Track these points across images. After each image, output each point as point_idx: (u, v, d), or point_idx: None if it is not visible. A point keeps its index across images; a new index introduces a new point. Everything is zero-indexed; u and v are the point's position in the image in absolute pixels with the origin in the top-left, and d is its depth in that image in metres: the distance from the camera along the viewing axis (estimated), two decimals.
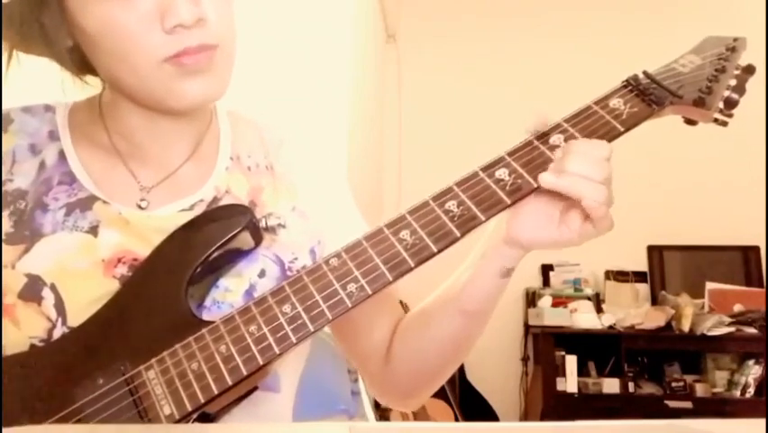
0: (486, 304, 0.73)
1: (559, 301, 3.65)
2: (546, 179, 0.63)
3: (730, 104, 0.68)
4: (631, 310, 3.58)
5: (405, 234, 0.62)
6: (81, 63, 0.71)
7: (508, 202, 0.64)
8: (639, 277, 3.80)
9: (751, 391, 3.35)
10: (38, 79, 0.70)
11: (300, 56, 2.06)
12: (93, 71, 0.74)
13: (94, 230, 0.68)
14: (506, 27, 4.00)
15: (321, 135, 2.06)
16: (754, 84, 0.71)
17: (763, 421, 0.47)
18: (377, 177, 3.71)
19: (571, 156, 0.63)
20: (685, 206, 3.68)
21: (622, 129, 0.66)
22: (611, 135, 0.66)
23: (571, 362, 3.50)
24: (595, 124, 0.66)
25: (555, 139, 0.66)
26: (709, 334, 3.36)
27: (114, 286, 0.66)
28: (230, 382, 0.59)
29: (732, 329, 3.39)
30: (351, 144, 2.46)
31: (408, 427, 0.51)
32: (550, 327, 3.51)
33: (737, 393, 3.37)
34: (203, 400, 0.58)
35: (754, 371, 3.38)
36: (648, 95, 0.67)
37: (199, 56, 0.64)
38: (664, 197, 3.69)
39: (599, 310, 3.64)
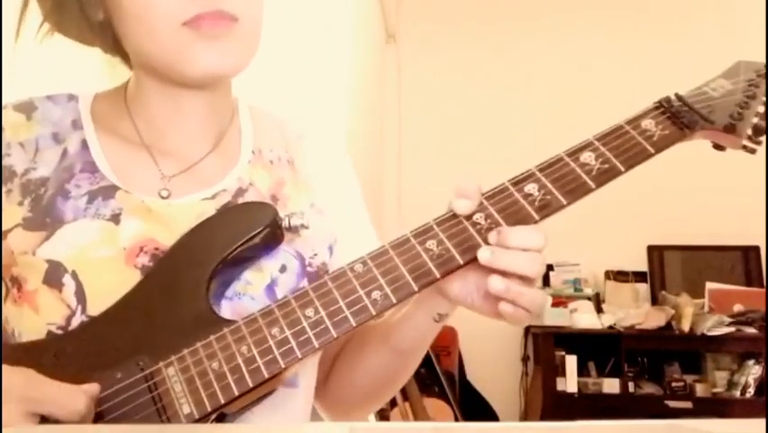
0: (418, 343, 0.74)
1: (559, 301, 3.65)
2: (483, 254, 0.61)
3: (758, 131, 0.67)
4: (631, 310, 3.58)
5: (431, 243, 0.62)
6: (112, 41, 0.72)
7: (537, 218, 0.63)
8: (639, 277, 3.80)
9: (751, 391, 3.34)
10: (63, 70, 0.70)
11: (300, 56, 2.06)
12: (122, 53, 0.74)
13: (116, 218, 0.67)
14: (506, 28, 3.99)
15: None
16: None
17: (763, 421, 0.47)
18: (377, 177, 3.71)
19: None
20: (685, 206, 3.68)
21: (653, 151, 0.65)
22: (642, 157, 0.65)
23: (571, 362, 3.50)
24: (626, 144, 0.65)
25: (586, 157, 0.65)
26: (709, 334, 3.36)
27: (136, 276, 0.65)
28: (251, 384, 0.58)
29: (732, 329, 3.39)
30: (350, 144, 2.46)
31: (408, 427, 0.50)
32: (550, 327, 3.51)
33: (737, 393, 3.37)
34: (223, 401, 0.58)
35: (754, 371, 3.38)
36: (680, 118, 0.66)
37: (217, 22, 0.65)
38: (664, 197, 3.69)
39: (599, 310, 3.64)
